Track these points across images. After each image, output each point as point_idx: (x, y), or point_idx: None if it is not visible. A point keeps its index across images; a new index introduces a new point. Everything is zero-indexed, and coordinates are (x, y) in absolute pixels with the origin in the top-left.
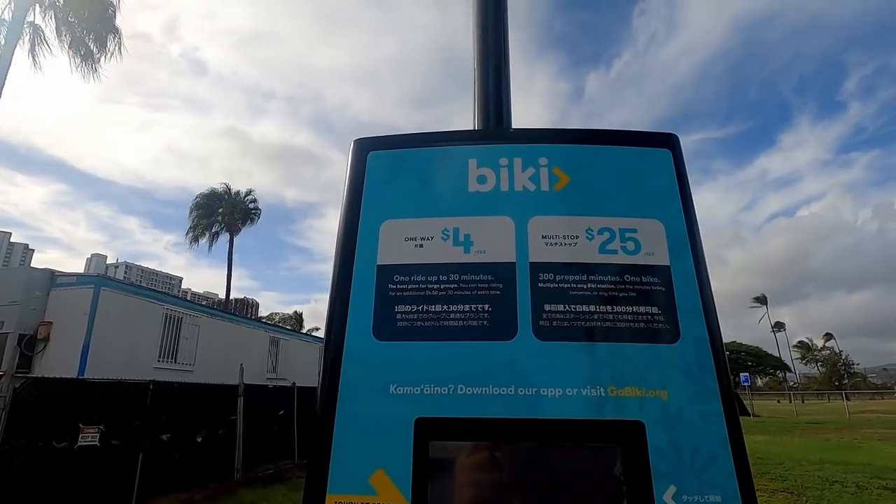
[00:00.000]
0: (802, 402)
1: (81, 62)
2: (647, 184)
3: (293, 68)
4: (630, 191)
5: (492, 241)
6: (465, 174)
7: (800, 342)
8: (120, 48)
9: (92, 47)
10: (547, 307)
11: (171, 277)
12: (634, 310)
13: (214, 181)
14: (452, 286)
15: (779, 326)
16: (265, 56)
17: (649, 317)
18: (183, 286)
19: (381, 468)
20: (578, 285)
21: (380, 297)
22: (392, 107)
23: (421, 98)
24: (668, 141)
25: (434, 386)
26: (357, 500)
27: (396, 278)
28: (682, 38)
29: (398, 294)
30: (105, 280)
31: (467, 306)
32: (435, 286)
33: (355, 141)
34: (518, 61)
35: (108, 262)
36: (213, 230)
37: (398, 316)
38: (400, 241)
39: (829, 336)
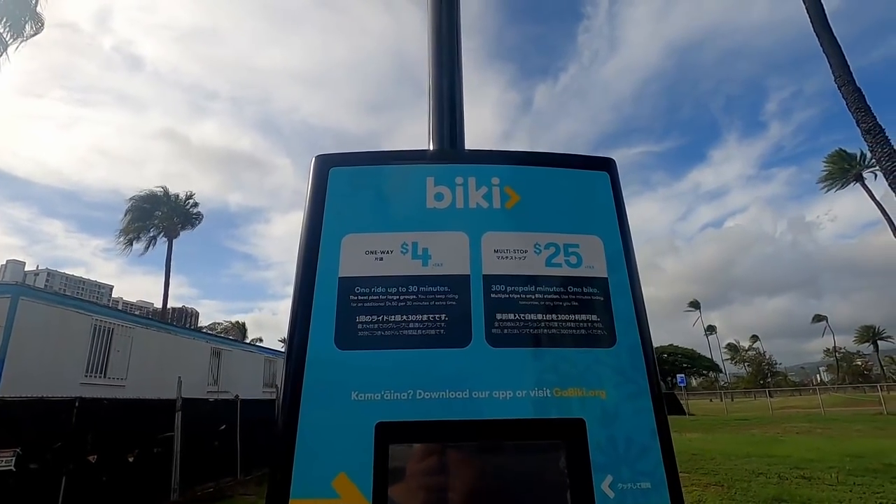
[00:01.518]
0: (732, 400)
1: None
2: (587, 203)
3: (238, 68)
4: (573, 209)
5: (448, 254)
6: (423, 191)
7: (729, 344)
8: (36, 34)
9: (3, 33)
10: (499, 316)
11: (99, 285)
12: (577, 318)
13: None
14: (411, 297)
15: (711, 329)
16: (208, 54)
17: (590, 324)
18: (114, 295)
19: (344, 472)
20: (527, 296)
21: (341, 307)
22: (343, 111)
23: (373, 103)
24: (606, 165)
25: (394, 392)
26: None
27: (357, 290)
28: (622, 57)
29: (359, 305)
30: (24, 288)
31: (425, 316)
32: (395, 297)
33: (317, 157)
34: (469, 70)
35: (26, 268)
36: (151, 234)
37: (359, 326)
38: (361, 255)
39: (755, 338)
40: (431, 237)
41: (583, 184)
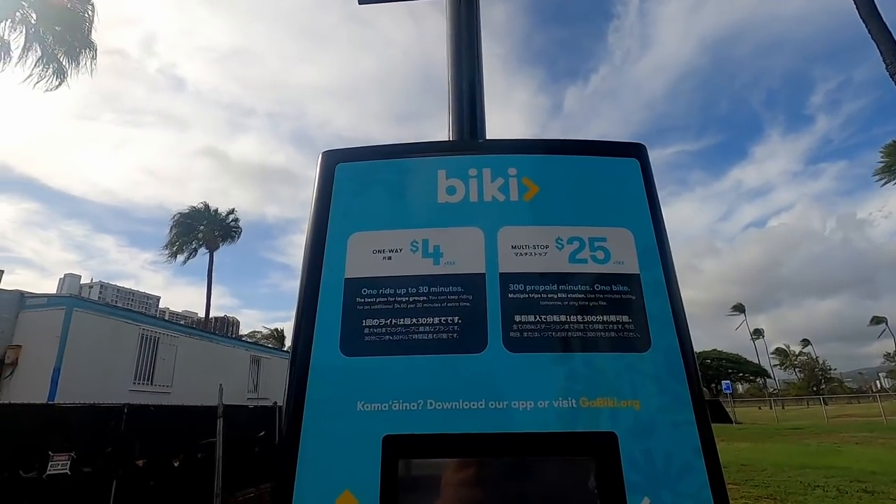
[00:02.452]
0: (783, 407)
1: (53, 76)
2: (615, 193)
3: (273, 85)
4: (599, 200)
5: (461, 252)
6: (434, 185)
7: (777, 349)
8: (92, 63)
9: (63, 62)
10: (517, 318)
11: (148, 296)
12: (605, 319)
13: (192, 200)
14: (422, 299)
15: (757, 333)
16: (244, 73)
17: (620, 325)
18: (161, 305)
19: (349, 489)
20: (549, 295)
21: (347, 311)
22: (373, 122)
23: (401, 113)
24: (635, 151)
25: (403, 402)
26: None
27: (364, 292)
28: (654, 55)
29: (366, 308)
30: (77, 300)
31: (437, 319)
32: (404, 299)
33: (323, 153)
34: (498, 75)
35: (82, 281)
36: (193, 246)
37: (366, 330)
38: (368, 254)
39: (806, 342)
40: (443, 234)
41: (610, 172)
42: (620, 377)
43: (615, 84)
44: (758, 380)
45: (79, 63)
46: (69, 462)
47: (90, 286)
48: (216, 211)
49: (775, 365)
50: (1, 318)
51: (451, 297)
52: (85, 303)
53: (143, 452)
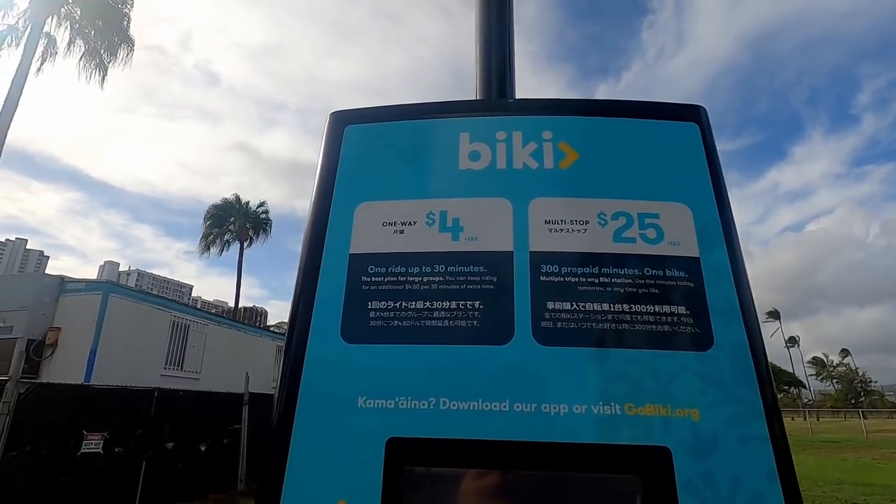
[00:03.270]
0: (818, 419)
1: (94, 70)
2: (670, 162)
3: (304, 80)
4: (650, 170)
5: (485, 226)
6: (455, 150)
7: (814, 358)
8: (130, 57)
9: (104, 57)
10: (550, 305)
11: (181, 285)
12: (657, 310)
13: (224, 193)
14: (437, 279)
15: (792, 342)
16: (276, 68)
17: (675, 318)
18: (193, 294)
19: (344, 500)
20: (589, 279)
21: (351, 291)
22: None
23: None
24: (695, 113)
25: (411, 399)
26: None
27: (371, 269)
28: (690, 52)
29: (372, 288)
30: (114, 286)
31: (454, 303)
32: (416, 279)
33: (332, 113)
34: (529, 72)
35: (120, 269)
36: (225, 238)
37: (371, 314)
38: (377, 227)
39: (845, 352)
40: (465, 205)
41: (664, 138)
42: (675, 380)
43: (648, 81)
44: (792, 390)
45: (118, 57)
46: (102, 442)
47: (128, 273)
48: (247, 203)
49: (811, 375)
50: (43, 301)
51: (473, 278)
52: (121, 289)
53: (171, 436)
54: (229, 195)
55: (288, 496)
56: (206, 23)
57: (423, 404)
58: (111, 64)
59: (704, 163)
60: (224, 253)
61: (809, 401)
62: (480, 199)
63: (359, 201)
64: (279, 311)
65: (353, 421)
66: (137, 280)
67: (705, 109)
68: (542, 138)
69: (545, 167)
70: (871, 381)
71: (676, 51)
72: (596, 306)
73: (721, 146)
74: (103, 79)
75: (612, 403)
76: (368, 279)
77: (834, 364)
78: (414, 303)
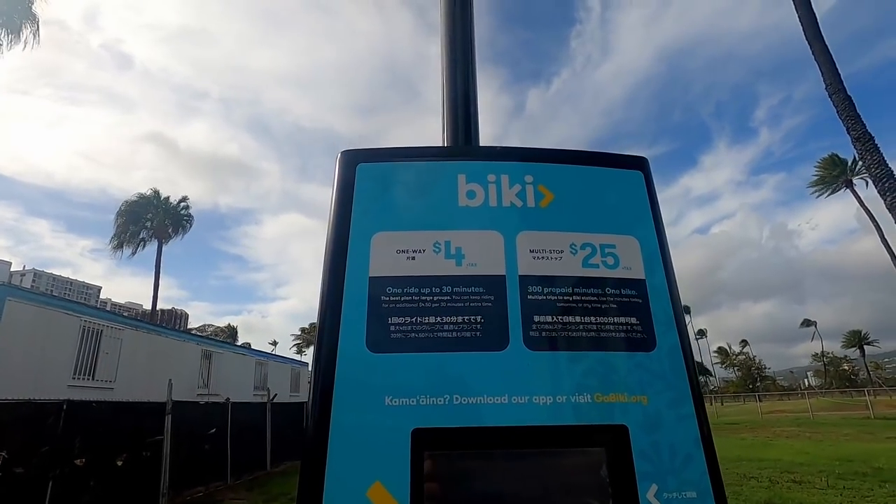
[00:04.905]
0: (722, 404)
1: None
2: (622, 202)
3: (228, 68)
4: (608, 209)
5: (482, 254)
6: (454, 189)
7: (719, 348)
8: (36, 36)
9: (2, 37)
10: (536, 318)
11: (87, 286)
12: (616, 320)
13: (136, 184)
14: (445, 298)
15: (701, 334)
16: (197, 54)
17: (629, 327)
18: (102, 296)
19: (379, 480)
20: (565, 297)
21: (372, 309)
22: (333, 113)
23: (363, 106)
24: (639, 164)
25: (429, 397)
26: None
27: (389, 290)
28: (614, 62)
29: (391, 306)
30: (11, 289)
31: (460, 318)
32: (428, 298)
33: (343, 153)
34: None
35: (12, 268)
36: (141, 237)
37: (392, 328)
38: (392, 254)
39: (744, 342)
40: (464, 236)
41: (617, 183)
42: (630, 374)
43: (576, 88)
44: (701, 378)
45: (20, 36)
46: (0, 462)
47: (22, 273)
48: (167, 199)
49: (716, 363)
50: None
51: (474, 297)
52: (19, 291)
53: (83, 451)
54: (146, 190)
55: (330, 479)
56: (114, 0)
57: (440, 401)
58: (12, 43)
59: (648, 203)
60: (139, 252)
61: (715, 387)
62: (477, 232)
63: (374, 231)
64: (201, 313)
65: (382, 416)
66: (34, 281)
67: (647, 160)
68: (525, 181)
69: (528, 205)
70: (765, 368)
71: (602, 60)
72: (571, 318)
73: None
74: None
75: (585, 393)
76: (387, 298)
77: (735, 353)
78: (427, 318)
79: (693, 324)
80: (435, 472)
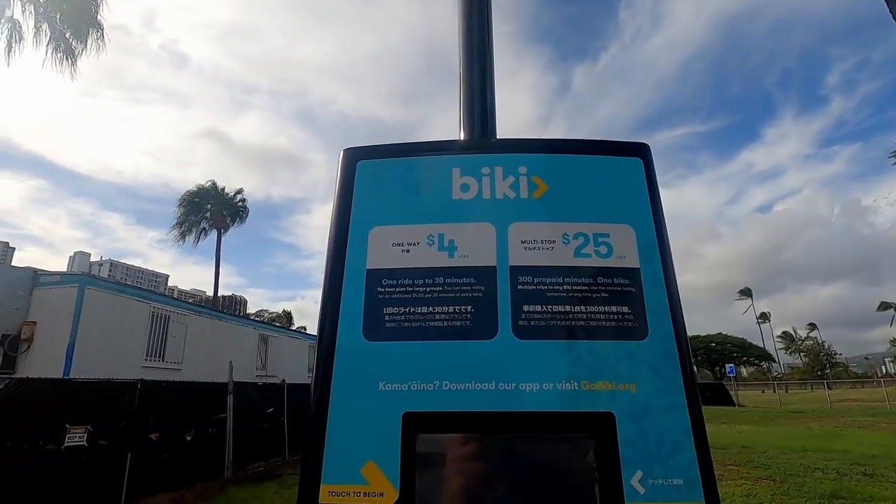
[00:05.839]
0: (786, 391)
1: (62, 57)
2: (619, 191)
3: (276, 63)
4: (603, 198)
5: (474, 246)
6: (449, 183)
7: (784, 332)
8: (101, 43)
9: (72, 42)
10: (525, 307)
11: (156, 275)
12: (607, 309)
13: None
14: (438, 289)
15: (764, 318)
16: (247, 50)
17: (621, 316)
18: (169, 283)
19: (372, 460)
20: (555, 287)
21: (369, 299)
22: (377, 102)
23: (405, 94)
24: (639, 150)
25: (421, 382)
26: (349, 490)
27: (385, 282)
28: (666, 33)
29: (386, 297)
30: (90, 278)
31: (451, 307)
32: (421, 289)
33: (344, 150)
34: (506, 55)
35: (91, 259)
36: (201, 226)
37: (387, 317)
38: (388, 247)
39: (812, 326)
40: (457, 228)
41: (615, 171)
42: (620, 363)
43: (625, 63)
44: (762, 364)
45: (87, 43)
46: (86, 434)
47: (100, 264)
48: (223, 190)
49: (780, 349)
50: (16, 294)
51: (465, 287)
52: (97, 281)
53: (156, 427)
54: (205, 182)
55: (329, 459)
56: (169, 1)
57: (430, 386)
58: (81, 50)
59: (646, 191)
60: (200, 241)
61: (779, 374)
62: (470, 224)
63: (372, 225)
64: (257, 299)
65: (376, 400)
66: (110, 270)
67: (648, 146)
68: (519, 173)
69: (521, 197)
70: (835, 354)
71: (653, 32)
72: (560, 308)
73: (694, 129)
74: (73, 65)
75: (572, 381)
76: (383, 290)
77: (802, 338)
78: (420, 308)
79: (755, 307)
80: (424, 453)
